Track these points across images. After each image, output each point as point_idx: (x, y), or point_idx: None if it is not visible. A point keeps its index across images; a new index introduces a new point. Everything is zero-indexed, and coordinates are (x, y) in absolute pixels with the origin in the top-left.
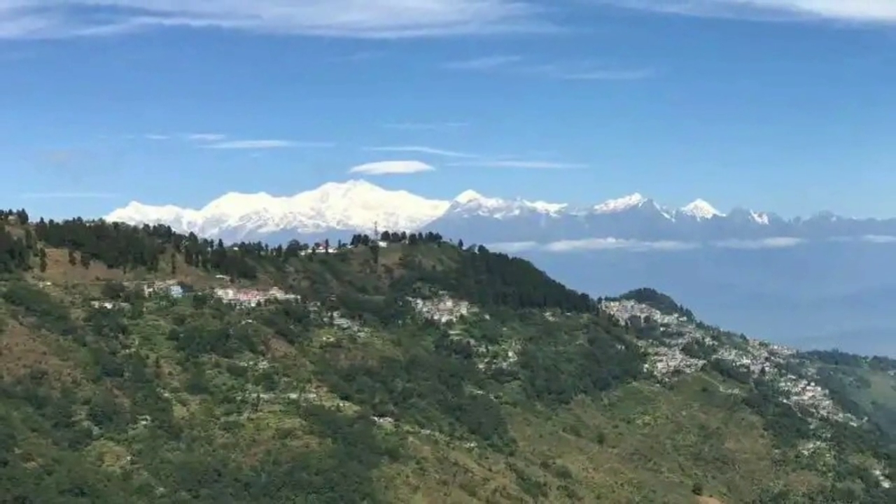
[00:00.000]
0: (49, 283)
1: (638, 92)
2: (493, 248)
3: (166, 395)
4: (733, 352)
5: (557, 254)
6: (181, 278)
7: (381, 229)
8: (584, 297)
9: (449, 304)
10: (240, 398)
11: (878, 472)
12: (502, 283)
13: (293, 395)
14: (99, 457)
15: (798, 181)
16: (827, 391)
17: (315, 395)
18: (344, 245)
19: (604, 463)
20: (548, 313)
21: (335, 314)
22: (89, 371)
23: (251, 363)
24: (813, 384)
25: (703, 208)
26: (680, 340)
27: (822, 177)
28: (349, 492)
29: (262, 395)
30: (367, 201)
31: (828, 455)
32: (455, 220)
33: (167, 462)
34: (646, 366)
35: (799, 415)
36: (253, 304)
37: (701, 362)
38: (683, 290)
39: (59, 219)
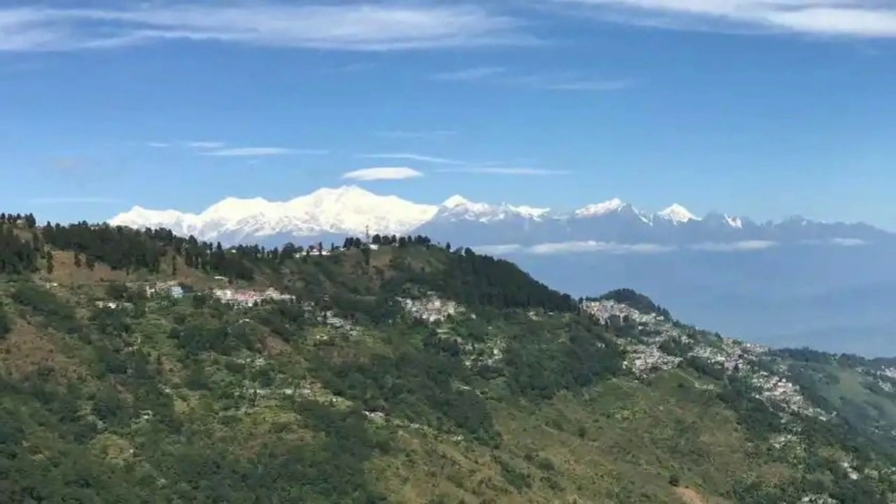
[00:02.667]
0: (55, 284)
1: (617, 102)
2: (479, 250)
3: (167, 390)
4: (708, 349)
5: (540, 256)
6: (181, 279)
7: (373, 233)
8: (566, 297)
9: (437, 303)
10: (237, 394)
11: (846, 465)
12: (488, 284)
13: (288, 391)
14: (103, 450)
15: (770, 187)
16: (797, 387)
17: (309, 391)
18: (337, 248)
19: (585, 455)
20: (531, 313)
21: (328, 314)
22: (94, 368)
23: (248, 360)
24: (784, 380)
25: (680, 213)
26: (657, 339)
27: (792, 182)
28: (342, 483)
29: (258, 391)
30: (359, 206)
31: (798, 448)
32: (443, 223)
33: (168, 455)
34: (625, 363)
35: (771, 409)
36: (250, 304)
37: (677, 359)
38: (661, 290)
39: (65, 223)
